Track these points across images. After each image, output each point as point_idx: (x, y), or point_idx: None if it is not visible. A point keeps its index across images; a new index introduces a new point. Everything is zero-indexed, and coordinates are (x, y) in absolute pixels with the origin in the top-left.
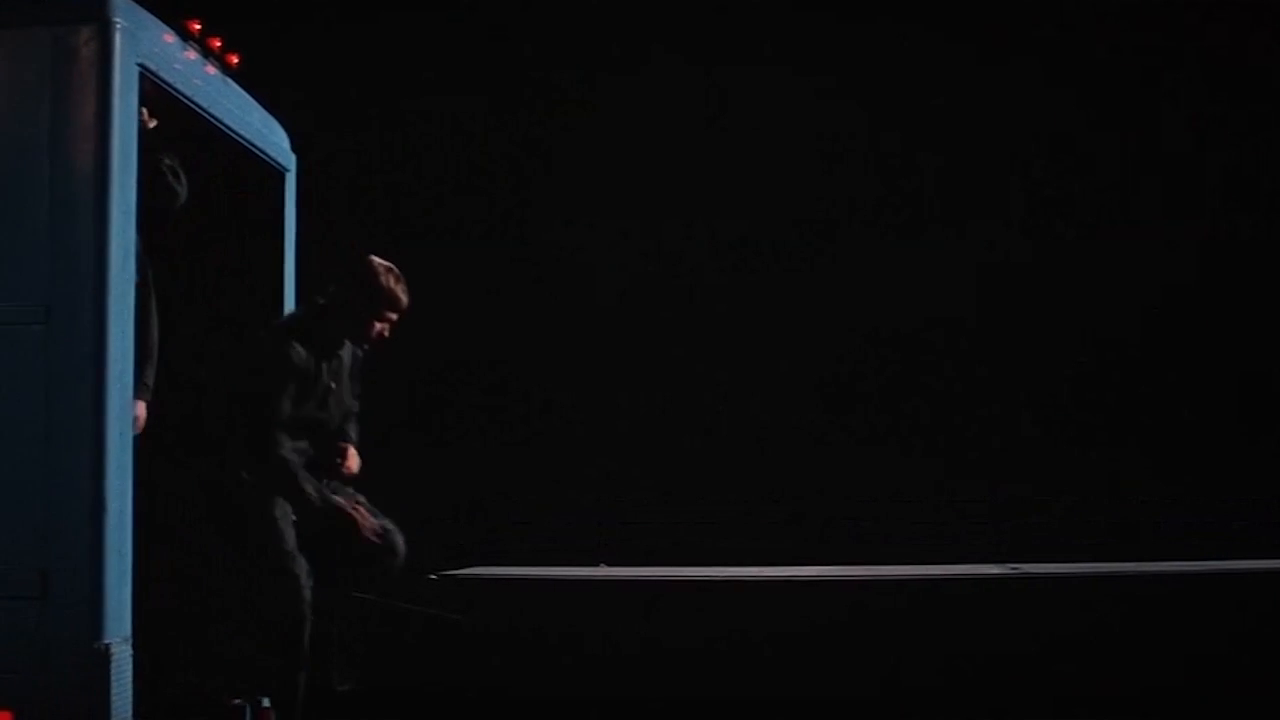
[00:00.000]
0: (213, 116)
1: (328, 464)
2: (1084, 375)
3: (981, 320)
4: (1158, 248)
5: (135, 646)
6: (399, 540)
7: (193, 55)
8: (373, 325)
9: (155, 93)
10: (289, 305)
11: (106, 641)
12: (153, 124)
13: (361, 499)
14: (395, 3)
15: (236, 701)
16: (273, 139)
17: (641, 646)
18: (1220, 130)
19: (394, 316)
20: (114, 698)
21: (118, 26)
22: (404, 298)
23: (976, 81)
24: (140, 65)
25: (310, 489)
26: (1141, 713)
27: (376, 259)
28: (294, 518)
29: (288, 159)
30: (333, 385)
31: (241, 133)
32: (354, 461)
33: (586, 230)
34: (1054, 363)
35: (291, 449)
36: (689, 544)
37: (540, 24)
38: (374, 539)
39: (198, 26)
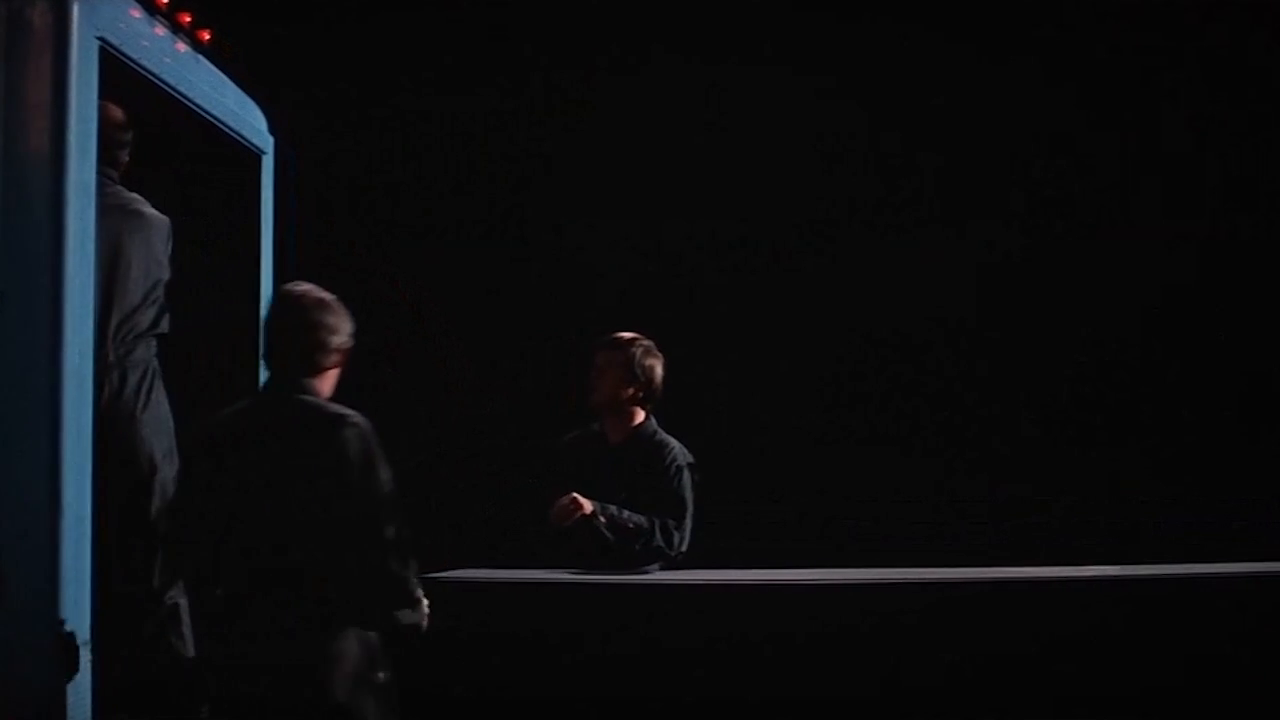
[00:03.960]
0: (183, 95)
1: None
2: (1084, 375)
3: (981, 320)
4: (1158, 248)
5: (96, 650)
6: None
7: (161, 31)
8: None
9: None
10: (266, 293)
11: None
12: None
13: None
14: (394, 2)
15: None
16: (248, 119)
17: (640, 650)
18: (1220, 130)
19: None
20: (71, 703)
21: None
22: None
23: (977, 81)
24: (100, 39)
25: None
26: (1141, 713)
27: None
28: None
29: (265, 140)
30: None
31: (214, 113)
32: None
33: (586, 230)
34: (1054, 363)
35: None
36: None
37: (540, 24)
38: None
39: (165, 0)
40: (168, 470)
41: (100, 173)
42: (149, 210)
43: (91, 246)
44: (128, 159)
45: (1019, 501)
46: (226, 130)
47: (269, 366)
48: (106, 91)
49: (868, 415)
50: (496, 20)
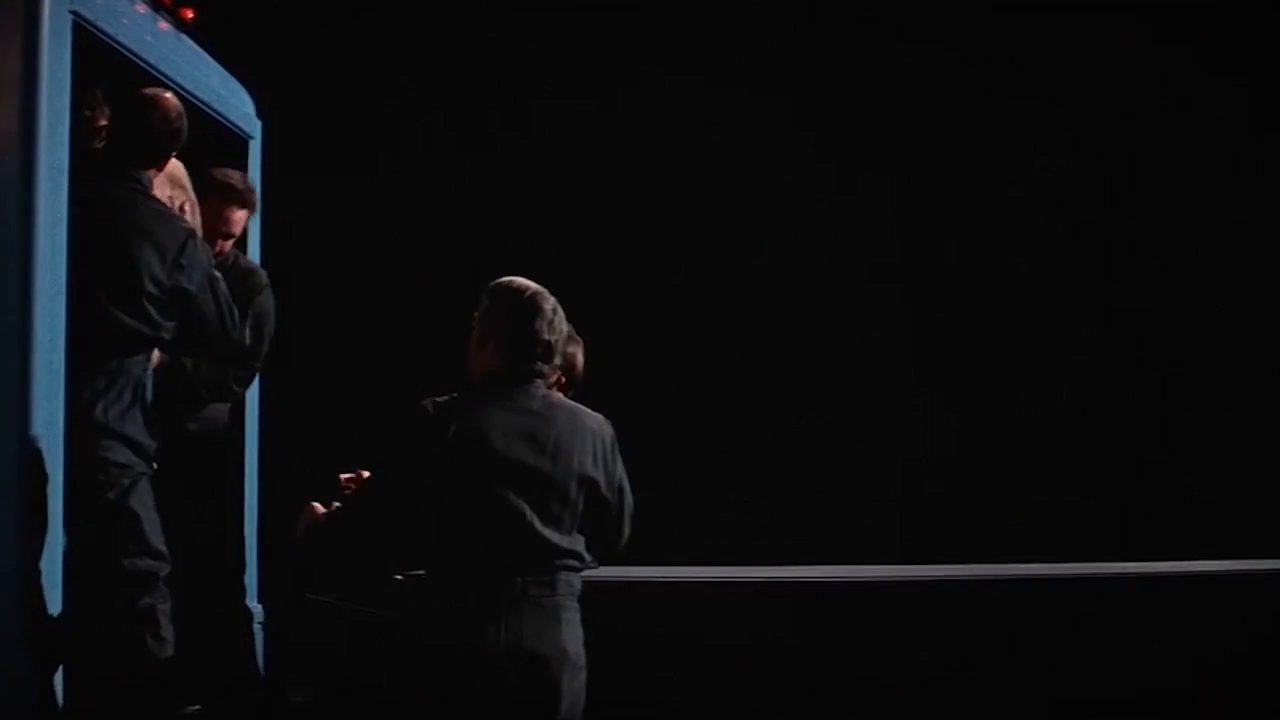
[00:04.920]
0: (165, 76)
1: None
2: (1083, 375)
3: (981, 319)
4: (1158, 248)
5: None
6: None
7: (142, 8)
8: None
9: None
10: None
11: None
12: None
13: None
14: (411, 19)
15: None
16: (234, 102)
17: (630, 649)
18: (1220, 130)
19: None
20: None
21: None
22: None
23: (976, 81)
24: (74, 13)
25: None
26: (1142, 713)
27: None
28: None
29: (252, 124)
30: None
31: (199, 95)
32: None
33: (587, 231)
34: (1054, 362)
35: None
36: (687, 544)
37: (539, 44)
38: None
39: None
40: (126, 483)
41: (127, 176)
42: (158, 220)
43: (64, 230)
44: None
45: (1020, 501)
46: (211, 113)
47: (502, 358)
48: (81, 70)
49: (868, 414)
50: (498, 35)
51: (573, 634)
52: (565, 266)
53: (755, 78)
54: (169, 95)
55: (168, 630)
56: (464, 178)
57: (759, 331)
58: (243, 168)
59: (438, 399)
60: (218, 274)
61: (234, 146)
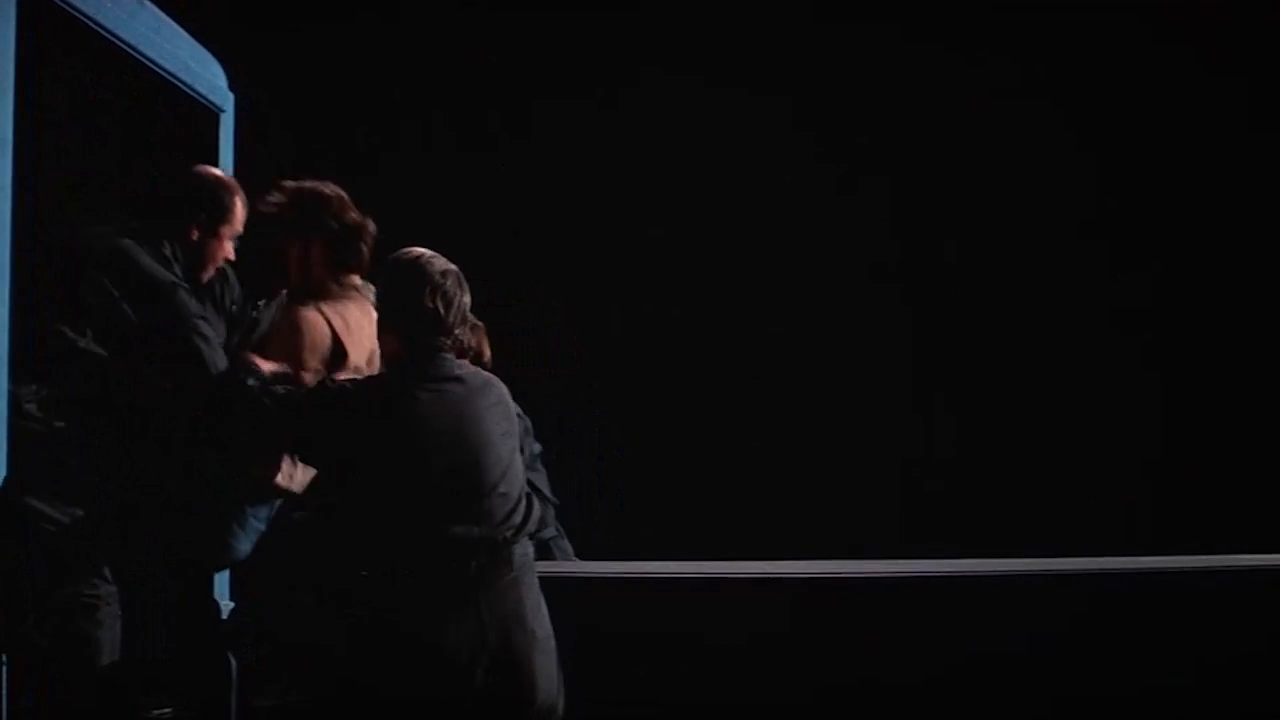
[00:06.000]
0: (126, 44)
1: None
2: (1082, 375)
3: (980, 319)
4: (1158, 248)
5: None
6: None
7: None
8: None
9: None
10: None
11: None
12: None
13: None
14: (411, 19)
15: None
16: (204, 74)
17: (628, 647)
18: (1220, 130)
19: None
20: None
21: None
22: None
23: (976, 81)
24: None
25: None
26: (1141, 713)
27: None
28: None
29: (223, 98)
30: None
31: (165, 65)
32: None
33: (587, 231)
34: (1054, 362)
35: None
36: (686, 541)
37: (539, 44)
38: None
39: None
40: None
41: (148, 233)
42: (136, 252)
43: (8, 205)
44: (231, 246)
45: (1020, 501)
46: (179, 85)
47: (401, 336)
48: (29, 38)
49: (868, 412)
50: (504, 40)
51: (536, 608)
52: (565, 266)
53: (755, 78)
54: (213, 170)
55: (105, 614)
56: (464, 178)
57: (759, 331)
58: (213, 142)
59: (354, 397)
60: (207, 344)
61: (204, 119)
